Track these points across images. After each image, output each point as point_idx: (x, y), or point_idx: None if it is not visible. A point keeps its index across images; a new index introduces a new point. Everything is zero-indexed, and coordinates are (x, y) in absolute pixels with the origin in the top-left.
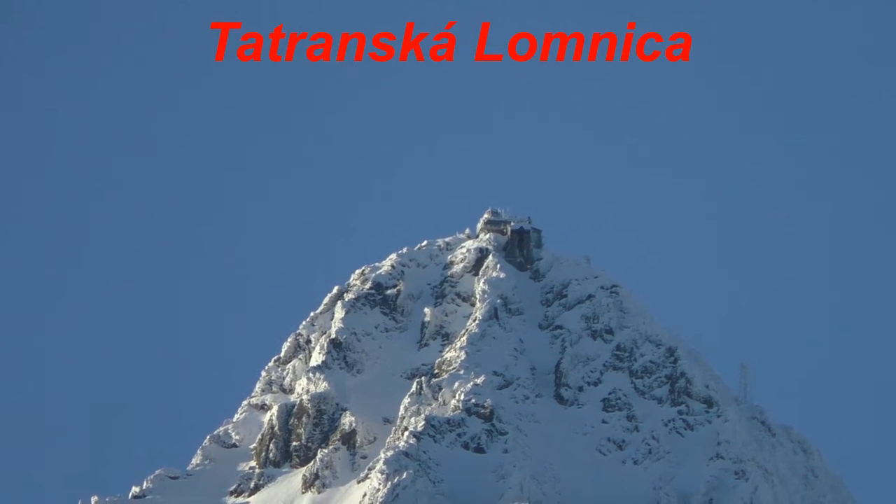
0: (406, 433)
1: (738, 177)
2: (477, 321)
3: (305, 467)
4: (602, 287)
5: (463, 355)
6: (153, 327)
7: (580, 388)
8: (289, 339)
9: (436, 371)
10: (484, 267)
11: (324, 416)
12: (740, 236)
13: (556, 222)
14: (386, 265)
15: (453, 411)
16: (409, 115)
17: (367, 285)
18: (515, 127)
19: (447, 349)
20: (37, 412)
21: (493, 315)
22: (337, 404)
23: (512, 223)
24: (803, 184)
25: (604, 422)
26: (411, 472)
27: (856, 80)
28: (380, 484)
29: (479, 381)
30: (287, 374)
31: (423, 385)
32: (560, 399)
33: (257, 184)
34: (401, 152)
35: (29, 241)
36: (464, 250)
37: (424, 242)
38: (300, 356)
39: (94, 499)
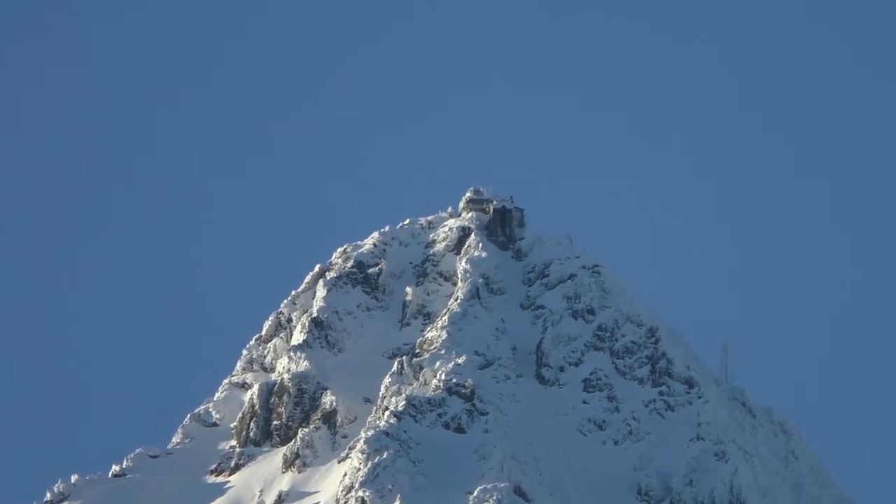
0: (387, 413)
1: (723, 152)
2: (458, 300)
3: (286, 446)
4: (584, 267)
5: (444, 335)
6: (132, 304)
7: (561, 369)
8: (270, 318)
9: (417, 350)
10: (466, 246)
11: (305, 396)
12: (727, 215)
13: (538, 200)
14: (368, 244)
15: (434, 391)
16: (388, 91)
17: (349, 264)
18: (498, 102)
19: (428, 328)
20: (14, 390)
21: (474, 294)
22: (318, 383)
23: (494, 202)
24: (793, 164)
25: (584, 402)
26: (392, 451)
27: (857, 61)
28: (360, 463)
29: (460, 360)
30: (268, 352)
31: (404, 364)
32: (541, 379)
33: (236, 162)
34: (381, 129)
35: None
36: (446, 229)
37: (406, 221)
38: (281, 335)
39: (73, 477)
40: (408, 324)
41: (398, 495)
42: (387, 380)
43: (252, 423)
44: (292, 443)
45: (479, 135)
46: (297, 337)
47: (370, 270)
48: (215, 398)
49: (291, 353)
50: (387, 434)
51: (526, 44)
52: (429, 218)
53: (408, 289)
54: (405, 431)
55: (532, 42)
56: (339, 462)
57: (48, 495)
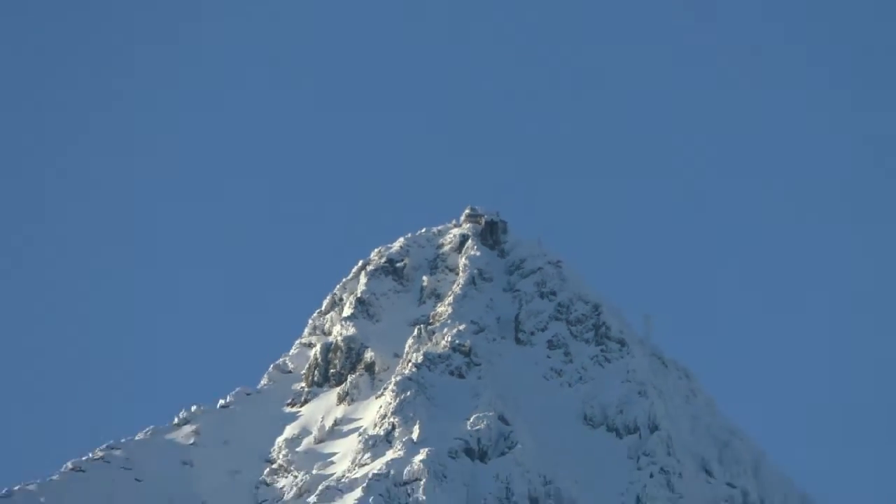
0: (410, 364)
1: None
2: (460, 286)
3: (339, 387)
4: (548, 262)
5: (450, 310)
6: (235, 293)
7: (532, 333)
8: (328, 297)
9: (431, 321)
10: (465, 248)
11: (352, 352)
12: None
13: (518, 211)
14: (396, 245)
15: (443, 349)
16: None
17: (383, 260)
18: (490, 120)
19: (439, 305)
20: (140, 337)
21: (471, 282)
22: (361, 343)
23: (485, 216)
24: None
25: (548, 357)
26: (413, 391)
27: None
28: (391, 399)
29: (461, 328)
30: (327, 322)
31: (422, 331)
32: (518, 341)
33: (310, 187)
34: (401, 158)
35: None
36: (451, 235)
37: (423, 229)
38: (336, 309)
39: (193, 407)
40: (424, 302)
41: (418, 421)
42: (410, 341)
43: (316, 371)
44: (343, 385)
45: (476, 154)
46: (347, 311)
47: (398, 264)
48: (290, 353)
49: (343, 322)
50: (410, 379)
51: (523, 52)
52: (439, 228)
53: (424, 277)
54: (423, 377)
55: (529, 50)
56: (377, 398)
57: (176, 419)
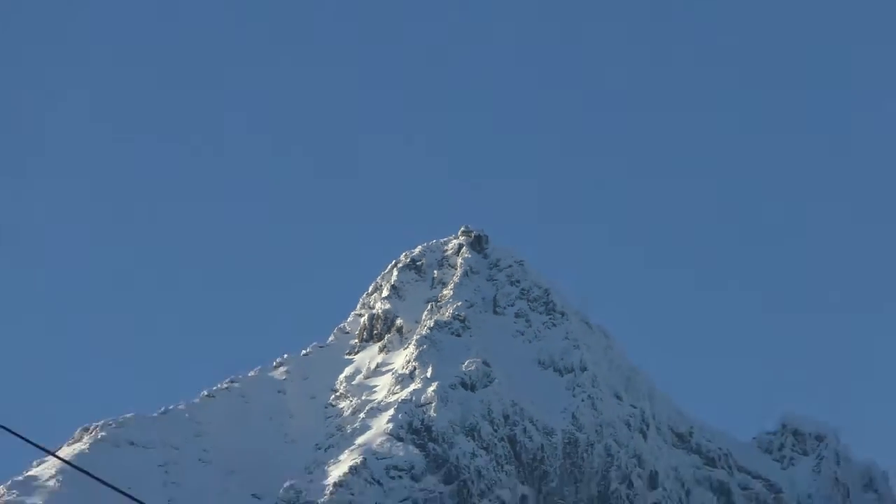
0: (426, 328)
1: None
2: (458, 277)
3: (380, 343)
4: (515, 261)
5: (451, 292)
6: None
7: (504, 308)
8: (372, 284)
9: (439, 300)
10: (461, 252)
11: (388, 320)
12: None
13: (497, 228)
14: (417, 250)
15: (447, 318)
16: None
17: (408, 260)
18: (483, 155)
19: (444, 290)
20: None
21: (465, 274)
22: (394, 314)
23: (474, 232)
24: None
25: (515, 323)
26: (427, 345)
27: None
28: (414, 350)
29: (459, 304)
30: (371, 300)
31: (433, 306)
32: (495, 313)
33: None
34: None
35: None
36: (452, 244)
37: (434, 240)
38: (377, 292)
39: (285, 355)
40: (434, 287)
41: (430, 364)
42: (425, 313)
43: (364, 332)
44: (382, 341)
45: (468, 185)
46: (385, 293)
47: (418, 263)
48: (348, 320)
49: (382, 300)
50: (426, 337)
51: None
52: (444, 239)
53: (434, 271)
54: (434, 336)
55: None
56: (404, 350)
57: (274, 363)
